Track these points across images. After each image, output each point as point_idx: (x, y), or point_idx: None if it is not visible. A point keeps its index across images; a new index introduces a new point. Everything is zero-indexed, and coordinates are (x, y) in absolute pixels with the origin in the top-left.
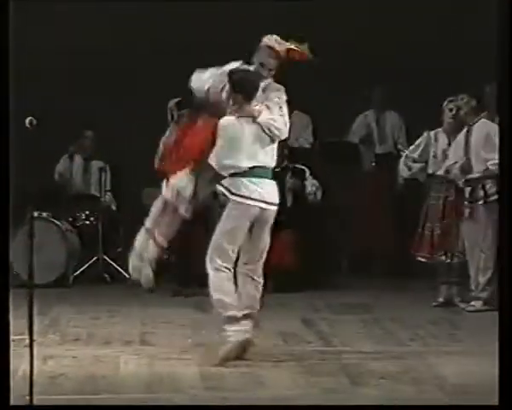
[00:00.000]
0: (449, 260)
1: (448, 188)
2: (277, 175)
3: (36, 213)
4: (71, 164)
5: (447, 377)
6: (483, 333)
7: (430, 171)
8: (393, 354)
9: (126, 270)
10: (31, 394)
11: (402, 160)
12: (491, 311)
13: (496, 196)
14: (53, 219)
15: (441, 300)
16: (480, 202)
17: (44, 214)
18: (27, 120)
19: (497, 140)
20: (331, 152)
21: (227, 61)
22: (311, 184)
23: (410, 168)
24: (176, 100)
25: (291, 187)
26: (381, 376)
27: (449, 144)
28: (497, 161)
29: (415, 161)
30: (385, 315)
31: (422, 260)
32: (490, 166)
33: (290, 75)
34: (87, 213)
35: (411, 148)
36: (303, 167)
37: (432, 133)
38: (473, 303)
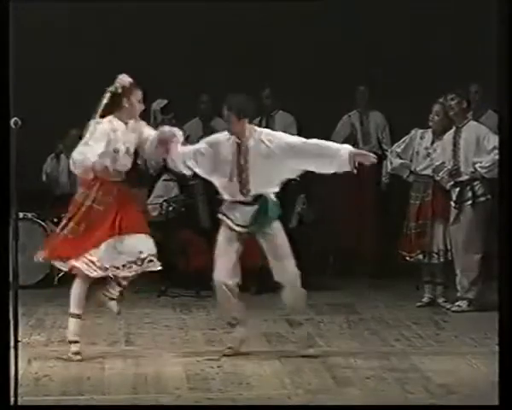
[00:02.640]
0: (426, 261)
1: (426, 188)
2: None
3: (21, 214)
4: (57, 164)
5: (432, 377)
6: (467, 333)
7: (412, 168)
8: (378, 354)
9: None
10: (15, 395)
11: (388, 153)
12: (476, 311)
13: (483, 198)
14: (38, 220)
15: (425, 300)
16: (468, 203)
17: (29, 215)
18: (12, 121)
19: (486, 143)
20: None
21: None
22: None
23: (391, 163)
24: (162, 103)
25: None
26: (366, 376)
27: (432, 143)
28: (485, 164)
29: (398, 155)
30: (370, 315)
31: (406, 257)
32: (478, 169)
33: (274, 75)
34: None
35: (397, 143)
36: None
37: (419, 131)
38: (458, 303)
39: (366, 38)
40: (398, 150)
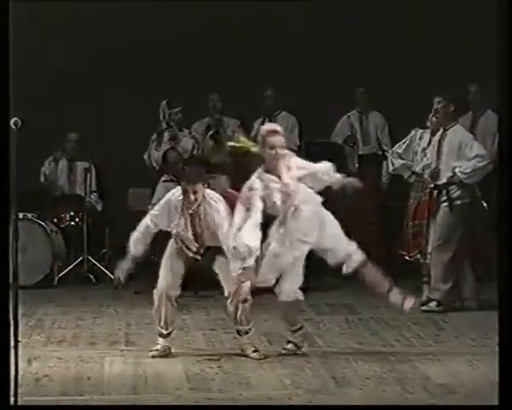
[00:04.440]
0: (422, 260)
1: (423, 188)
2: None
3: (21, 215)
4: (56, 166)
5: (432, 378)
6: (467, 333)
7: (413, 168)
8: (378, 354)
9: (111, 271)
10: (15, 395)
11: (389, 154)
12: (476, 311)
13: (459, 201)
14: (38, 220)
15: (424, 298)
16: (445, 205)
17: (29, 215)
18: (12, 121)
19: (468, 151)
20: (317, 153)
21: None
22: None
23: (392, 164)
24: (166, 100)
25: None
26: (366, 376)
27: (429, 144)
28: (465, 170)
29: (400, 156)
30: (370, 315)
31: (405, 257)
32: (458, 173)
33: (277, 76)
34: (72, 213)
35: (398, 144)
36: None
37: (419, 131)
38: (429, 304)
39: (366, 38)
40: (399, 151)
